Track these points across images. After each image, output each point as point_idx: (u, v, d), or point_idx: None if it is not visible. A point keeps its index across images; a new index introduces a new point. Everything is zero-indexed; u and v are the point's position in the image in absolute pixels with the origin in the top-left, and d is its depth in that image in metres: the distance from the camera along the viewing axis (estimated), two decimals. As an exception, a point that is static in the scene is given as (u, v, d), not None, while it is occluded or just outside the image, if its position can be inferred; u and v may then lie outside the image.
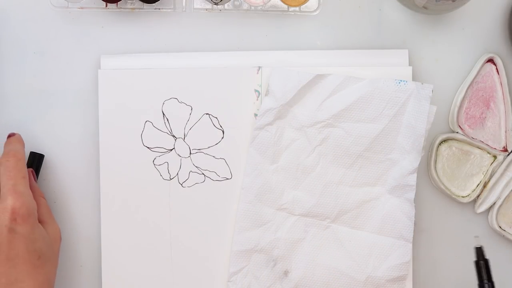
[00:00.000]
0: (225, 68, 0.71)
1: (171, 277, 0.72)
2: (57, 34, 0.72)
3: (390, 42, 0.73)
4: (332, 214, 0.71)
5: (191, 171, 0.72)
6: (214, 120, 0.71)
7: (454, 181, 0.73)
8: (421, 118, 0.69)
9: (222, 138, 0.72)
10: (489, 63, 0.72)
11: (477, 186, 0.73)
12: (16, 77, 0.72)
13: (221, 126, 0.71)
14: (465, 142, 0.72)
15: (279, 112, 0.70)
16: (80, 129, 0.72)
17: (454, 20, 0.73)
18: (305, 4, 0.71)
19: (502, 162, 0.72)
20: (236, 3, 0.72)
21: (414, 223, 0.70)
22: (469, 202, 0.73)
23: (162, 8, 0.72)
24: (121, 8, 0.71)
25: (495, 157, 0.73)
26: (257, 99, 0.71)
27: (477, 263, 0.67)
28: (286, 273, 0.71)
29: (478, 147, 0.72)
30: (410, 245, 0.70)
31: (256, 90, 0.71)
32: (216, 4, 0.71)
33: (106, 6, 0.71)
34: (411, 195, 0.70)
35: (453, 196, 0.72)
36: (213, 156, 0.72)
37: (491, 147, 0.72)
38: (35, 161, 0.70)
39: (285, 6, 0.72)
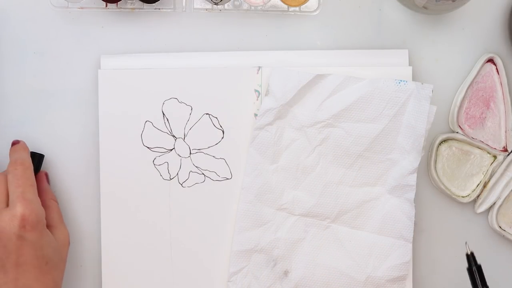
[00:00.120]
0: (225, 68, 0.71)
1: (171, 277, 0.72)
2: (57, 34, 0.72)
3: (390, 42, 0.73)
4: (332, 214, 0.71)
5: (191, 171, 0.72)
6: (214, 120, 0.71)
7: (454, 181, 0.73)
8: (421, 118, 0.69)
9: (222, 138, 0.72)
10: (489, 63, 0.72)
11: (477, 186, 0.73)
12: (16, 77, 0.72)
13: (221, 126, 0.71)
14: (465, 142, 0.72)
15: (279, 112, 0.70)
16: (80, 129, 0.72)
17: (454, 20, 0.73)
18: (305, 4, 0.71)
19: (502, 162, 0.72)
20: (236, 3, 0.72)
21: (414, 223, 0.70)
22: (469, 202, 0.73)
23: (162, 8, 0.72)
24: (121, 8, 0.71)
25: (495, 157, 0.73)
26: (257, 99, 0.71)
27: (469, 270, 0.66)
28: (286, 273, 0.71)
29: (478, 147, 0.72)
30: (410, 245, 0.70)
31: (256, 90, 0.71)
32: (216, 4, 0.71)
33: (106, 6, 0.71)
34: (411, 195, 0.70)
35: (453, 196, 0.72)
36: (213, 156, 0.72)
37: (491, 147, 0.72)
38: (35, 161, 0.70)
39: (285, 6, 0.72)
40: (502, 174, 0.72)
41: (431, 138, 0.72)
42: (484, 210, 0.73)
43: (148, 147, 0.71)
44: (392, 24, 0.73)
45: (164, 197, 0.72)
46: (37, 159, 0.70)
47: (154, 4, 0.71)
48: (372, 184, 0.71)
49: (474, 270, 0.66)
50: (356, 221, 0.71)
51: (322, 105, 0.70)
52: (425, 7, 0.68)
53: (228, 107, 0.71)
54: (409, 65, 0.72)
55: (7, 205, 0.64)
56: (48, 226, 0.67)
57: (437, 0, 0.66)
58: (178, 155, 0.72)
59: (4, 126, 0.72)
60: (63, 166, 0.72)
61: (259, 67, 0.71)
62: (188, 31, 0.72)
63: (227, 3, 0.71)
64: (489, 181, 0.73)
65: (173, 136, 0.72)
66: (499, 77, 0.72)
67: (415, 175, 0.70)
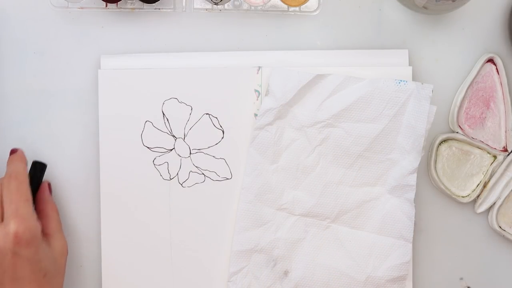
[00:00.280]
0: (225, 68, 0.71)
1: (171, 277, 0.72)
2: (57, 34, 0.72)
3: (390, 42, 0.73)
4: (332, 214, 0.71)
5: (191, 171, 0.72)
6: (214, 120, 0.71)
7: (454, 181, 0.73)
8: (421, 118, 0.69)
9: (222, 138, 0.72)
10: (489, 63, 0.72)
11: (477, 186, 0.73)
12: (16, 77, 0.72)
13: (221, 126, 0.71)
14: (465, 142, 0.72)
15: (279, 112, 0.70)
16: (80, 129, 0.72)
17: (454, 20, 0.73)
18: (305, 4, 0.71)
19: (502, 162, 0.72)
20: (236, 3, 0.72)
21: (414, 223, 0.70)
22: (469, 202, 0.73)
23: (162, 8, 0.72)
24: (121, 8, 0.71)
25: (495, 157, 0.73)
26: (257, 99, 0.71)
27: None
28: (286, 273, 0.71)
29: (478, 147, 0.72)
30: (410, 245, 0.70)
31: (256, 90, 0.71)
32: (216, 4, 0.71)
33: (106, 6, 0.71)
34: (411, 195, 0.70)
35: (453, 196, 0.72)
36: (213, 156, 0.72)
37: (491, 147, 0.72)
38: (37, 172, 0.69)
39: (285, 6, 0.72)
40: (502, 174, 0.72)
41: (431, 138, 0.72)
42: (484, 210, 0.73)
43: (148, 147, 0.72)
44: (392, 24, 0.73)
45: (164, 197, 0.72)
46: (38, 170, 0.69)
47: (154, 4, 0.71)
48: (372, 184, 0.71)
49: None
50: (356, 221, 0.71)
51: (322, 105, 0.70)
52: (425, 7, 0.68)
53: (228, 107, 0.71)
54: (409, 65, 0.72)
55: (2, 219, 0.64)
56: (46, 235, 0.67)
57: (437, 0, 0.66)
58: (178, 155, 0.72)
59: (4, 126, 0.72)
60: (63, 166, 0.72)
61: (259, 67, 0.71)
62: (188, 31, 0.72)
63: (227, 3, 0.71)
64: (489, 181, 0.73)
65: (173, 136, 0.72)
66: (499, 77, 0.72)
67: (415, 175, 0.70)
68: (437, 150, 0.72)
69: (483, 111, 0.73)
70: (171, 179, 0.72)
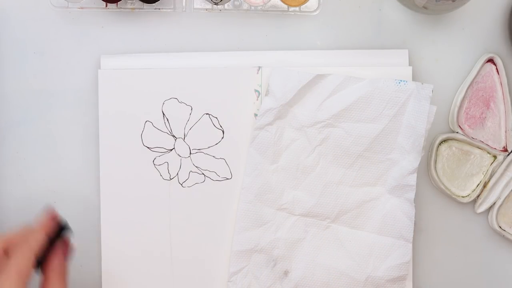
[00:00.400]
0: (225, 68, 0.71)
1: (171, 277, 0.72)
2: (57, 34, 0.72)
3: (390, 42, 0.73)
4: (332, 214, 0.71)
5: (191, 171, 0.72)
6: (214, 120, 0.71)
7: (454, 181, 0.73)
8: (421, 118, 0.69)
9: (222, 138, 0.72)
10: (489, 63, 0.72)
11: (477, 186, 0.73)
12: (16, 77, 0.72)
13: (221, 126, 0.71)
14: (465, 142, 0.72)
15: (279, 112, 0.70)
16: (80, 129, 0.72)
17: (454, 20, 0.73)
18: (305, 4, 0.71)
19: (502, 162, 0.72)
20: (236, 3, 0.72)
21: (414, 223, 0.70)
22: (469, 202, 0.73)
23: (162, 8, 0.72)
24: (121, 8, 0.71)
25: (495, 157, 0.73)
26: (257, 99, 0.71)
27: None
28: (286, 273, 0.71)
29: (478, 147, 0.72)
30: (410, 245, 0.70)
31: (256, 90, 0.71)
32: (216, 4, 0.71)
33: (106, 6, 0.71)
34: (411, 195, 0.70)
35: (453, 196, 0.72)
36: (213, 156, 0.72)
37: (491, 147, 0.72)
38: (58, 236, 0.63)
39: (285, 6, 0.72)
40: (502, 174, 0.72)
41: (431, 138, 0.72)
42: (484, 210, 0.73)
43: (148, 147, 0.72)
44: (392, 24, 0.73)
45: (164, 197, 0.72)
46: (61, 235, 0.63)
47: (154, 4, 0.71)
48: (372, 184, 0.71)
49: None
50: (356, 221, 0.71)
51: (322, 105, 0.70)
52: (425, 7, 0.68)
53: (228, 107, 0.71)
54: (409, 65, 0.72)
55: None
56: None
57: (437, 0, 0.66)
58: (178, 155, 0.72)
59: (4, 126, 0.72)
60: (63, 166, 0.72)
61: (259, 67, 0.71)
62: (188, 31, 0.72)
63: (227, 3, 0.71)
64: (489, 181, 0.73)
65: (173, 136, 0.72)
66: (499, 77, 0.72)
67: (415, 175, 0.70)
68: (437, 150, 0.72)
69: (483, 111, 0.73)
70: (171, 179, 0.72)
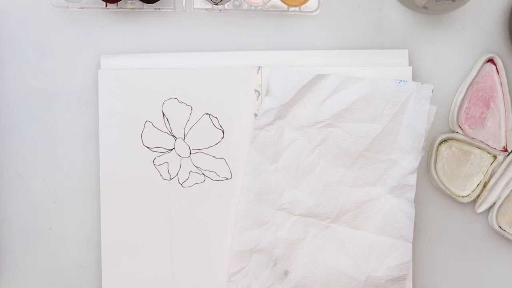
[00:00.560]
0: (225, 68, 0.71)
1: (171, 277, 0.72)
2: (57, 34, 0.72)
3: (390, 42, 0.73)
4: (332, 214, 0.71)
5: (191, 171, 0.72)
6: (214, 120, 0.71)
7: (454, 181, 0.73)
8: (421, 118, 0.69)
9: (222, 138, 0.72)
10: (489, 63, 0.72)
11: (477, 186, 0.73)
12: (16, 77, 0.72)
13: (221, 126, 0.71)
14: (465, 142, 0.72)
15: (279, 112, 0.70)
16: (80, 129, 0.72)
17: (454, 20, 0.73)
18: (305, 4, 0.71)
19: (502, 162, 0.72)
20: (236, 3, 0.72)
21: (414, 223, 0.70)
22: (469, 202, 0.73)
23: (162, 8, 0.72)
24: (121, 8, 0.71)
25: (495, 157, 0.73)
26: (257, 99, 0.71)
27: None
28: (286, 273, 0.71)
29: (478, 147, 0.72)
30: (410, 245, 0.70)
31: (256, 90, 0.71)
32: (216, 4, 0.71)
33: (106, 6, 0.71)
34: (411, 195, 0.70)
35: (453, 196, 0.72)
36: (213, 156, 0.72)
37: (491, 147, 0.72)
38: None
39: (285, 6, 0.72)
40: (502, 174, 0.72)
41: (431, 138, 0.72)
42: (484, 210, 0.73)
43: (148, 147, 0.72)
44: (392, 24, 0.73)
45: (164, 197, 0.72)
46: None
47: (154, 4, 0.71)
48: (372, 184, 0.71)
49: None
50: (356, 221, 0.71)
51: (322, 105, 0.70)
52: (425, 7, 0.68)
53: (228, 107, 0.71)
54: (409, 65, 0.72)
55: None
56: None
57: (437, 0, 0.66)
58: (178, 155, 0.72)
59: (4, 126, 0.72)
60: (63, 166, 0.72)
61: (259, 67, 0.71)
62: (188, 31, 0.72)
63: (227, 3, 0.71)
64: (489, 181, 0.73)
65: (173, 136, 0.72)
66: (499, 77, 0.72)
67: (415, 175, 0.70)
68: (437, 150, 0.72)
69: (483, 111, 0.73)
70: (171, 179, 0.72)
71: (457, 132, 0.72)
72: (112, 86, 0.71)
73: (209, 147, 0.72)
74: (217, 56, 0.72)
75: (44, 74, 0.72)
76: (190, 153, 0.72)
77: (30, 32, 0.72)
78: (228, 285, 0.71)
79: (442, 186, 0.72)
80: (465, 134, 0.72)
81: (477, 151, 0.73)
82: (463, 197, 0.72)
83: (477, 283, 0.73)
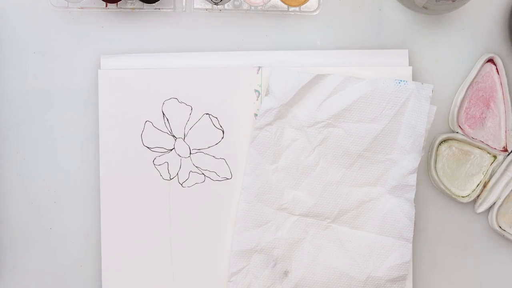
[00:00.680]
0: (225, 68, 0.71)
1: (171, 277, 0.72)
2: (57, 34, 0.72)
3: (390, 42, 0.73)
4: (332, 214, 0.71)
5: (191, 171, 0.72)
6: (214, 120, 0.71)
7: (454, 181, 0.73)
8: (421, 118, 0.69)
9: (222, 138, 0.72)
10: (489, 63, 0.72)
11: (477, 186, 0.73)
12: (16, 77, 0.72)
13: (221, 126, 0.72)
14: (465, 142, 0.72)
15: (279, 112, 0.70)
16: (80, 129, 0.72)
17: (454, 20, 0.73)
18: (305, 4, 0.71)
19: (502, 162, 0.72)
20: (236, 3, 0.72)
21: (414, 223, 0.70)
22: (469, 202, 0.73)
23: (162, 8, 0.72)
24: (121, 8, 0.71)
25: (495, 157, 0.73)
26: (257, 99, 0.71)
27: None
28: (286, 273, 0.71)
29: (478, 147, 0.72)
30: (410, 245, 0.70)
31: (256, 90, 0.71)
32: (216, 4, 0.71)
33: (106, 6, 0.71)
34: (411, 195, 0.70)
35: (453, 196, 0.72)
36: (213, 156, 0.72)
37: (491, 147, 0.72)
38: None
39: (285, 6, 0.72)
40: (502, 174, 0.72)
41: (431, 138, 0.72)
42: (484, 210, 0.73)
43: (148, 147, 0.72)
44: (392, 24, 0.73)
45: (164, 197, 0.72)
46: None
47: (154, 4, 0.71)
48: (372, 184, 0.71)
49: None
50: (356, 221, 0.71)
51: (322, 105, 0.70)
52: (425, 7, 0.68)
53: (228, 107, 0.71)
54: (409, 65, 0.72)
55: None
56: None
57: (437, 0, 0.66)
58: (178, 155, 0.72)
59: (4, 126, 0.72)
60: (63, 166, 0.72)
61: (259, 67, 0.71)
62: (188, 31, 0.72)
63: (227, 3, 0.71)
64: (489, 181, 0.73)
65: (173, 136, 0.72)
66: (499, 77, 0.72)
67: (415, 175, 0.70)
68: (437, 150, 0.72)
69: (483, 111, 0.73)
70: (171, 179, 0.72)
71: (457, 132, 0.72)
72: (112, 86, 0.71)
73: (209, 147, 0.72)
74: (217, 56, 0.72)
75: (44, 74, 0.72)
76: (190, 153, 0.72)
77: (30, 32, 0.72)
78: (228, 285, 0.71)
79: (442, 186, 0.72)
80: (465, 134, 0.72)
81: (477, 151, 0.73)
82: (463, 197, 0.72)
83: (477, 283, 0.73)
